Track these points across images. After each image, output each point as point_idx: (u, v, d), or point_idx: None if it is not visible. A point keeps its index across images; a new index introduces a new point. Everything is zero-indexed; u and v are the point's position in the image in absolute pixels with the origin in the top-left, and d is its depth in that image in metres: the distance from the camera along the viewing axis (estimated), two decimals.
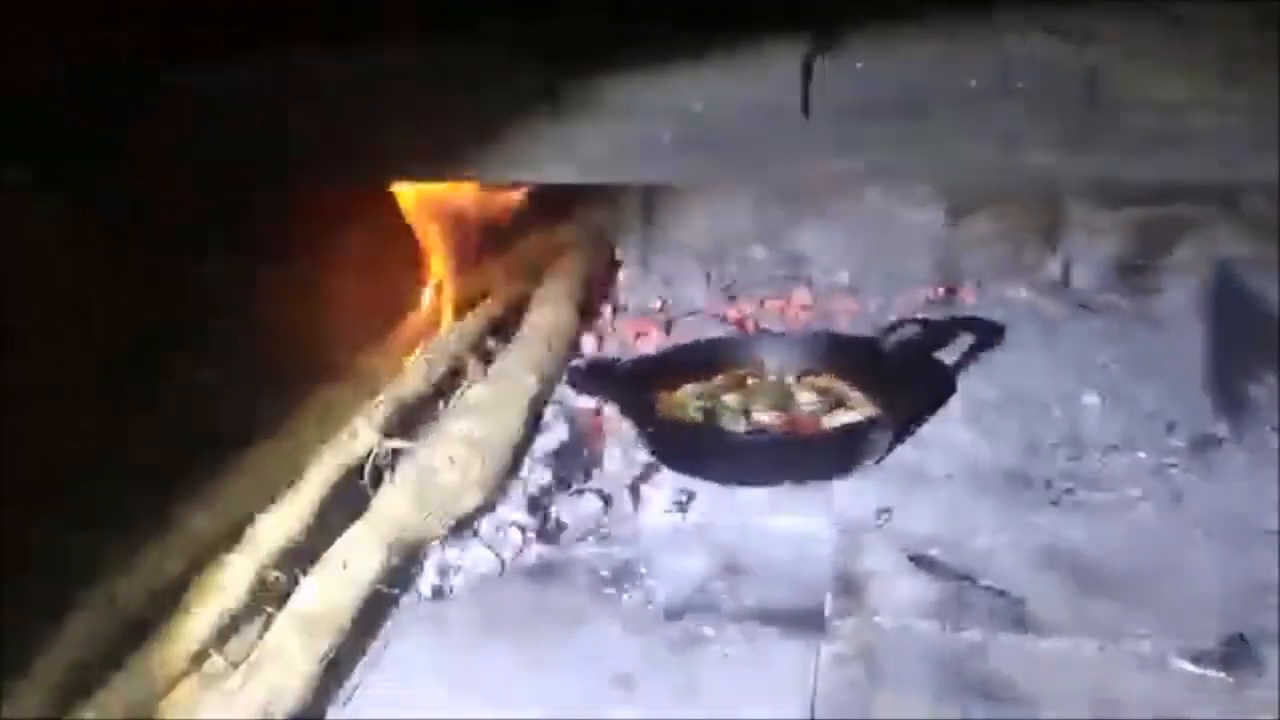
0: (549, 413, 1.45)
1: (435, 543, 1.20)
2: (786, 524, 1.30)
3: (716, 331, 1.81)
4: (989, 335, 1.66)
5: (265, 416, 1.19)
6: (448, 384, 1.43)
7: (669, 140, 0.99)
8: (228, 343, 1.21)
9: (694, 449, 1.38)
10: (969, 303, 2.01)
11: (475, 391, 1.36)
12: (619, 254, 2.14)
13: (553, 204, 1.89)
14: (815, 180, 1.65)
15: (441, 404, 1.41)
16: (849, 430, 1.36)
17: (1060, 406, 1.58)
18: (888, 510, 1.31)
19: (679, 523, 1.30)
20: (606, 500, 1.29)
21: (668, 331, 1.86)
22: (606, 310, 1.94)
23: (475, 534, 1.24)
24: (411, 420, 1.33)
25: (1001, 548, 1.24)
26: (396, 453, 1.23)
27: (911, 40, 1.06)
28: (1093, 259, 2.03)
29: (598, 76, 1.04)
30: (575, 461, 1.36)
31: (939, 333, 1.61)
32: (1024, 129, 0.98)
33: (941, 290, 2.04)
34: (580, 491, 1.29)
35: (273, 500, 1.12)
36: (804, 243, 2.18)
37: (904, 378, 1.49)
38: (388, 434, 1.23)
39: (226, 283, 1.23)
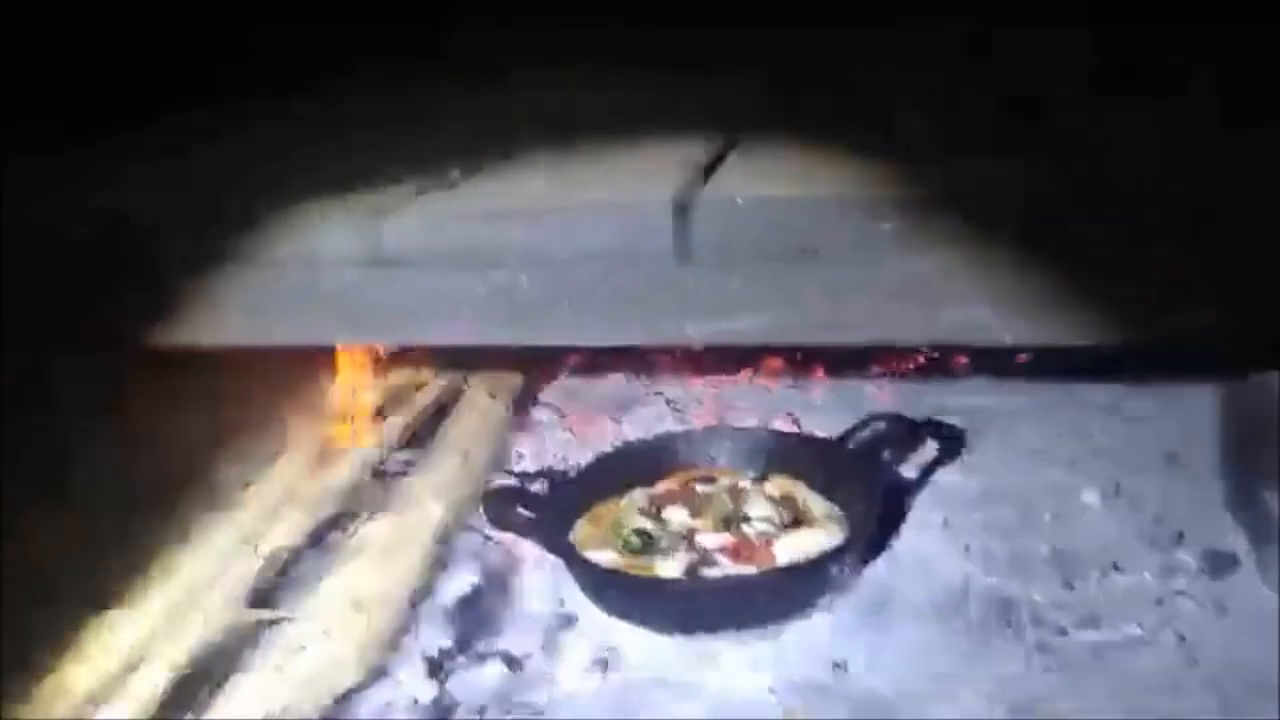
0: (461, 544, 1.27)
1: None
2: (724, 686, 1.12)
3: (671, 423, 1.63)
4: (952, 445, 1.47)
5: (106, 586, 1.02)
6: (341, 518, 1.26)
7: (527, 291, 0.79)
8: (73, 491, 1.04)
9: (624, 593, 1.20)
10: (961, 363, 1.82)
11: (370, 530, 1.18)
12: None
13: None
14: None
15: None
16: (802, 569, 1.17)
17: (1054, 507, 1.39)
18: (842, 665, 1.12)
19: (599, 686, 1.12)
20: (513, 664, 1.11)
21: (620, 420, 1.68)
22: (555, 391, 1.76)
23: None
24: (286, 577, 1.15)
25: (974, 716, 1.05)
26: (262, 624, 1.06)
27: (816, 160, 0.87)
28: None
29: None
30: (484, 611, 1.18)
31: (910, 431, 1.43)
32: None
33: (933, 353, 1.85)
34: (484, 656, 1.12)
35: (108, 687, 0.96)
36: None
37: (870, 486, 1.30)
38: (252, 603, 1.06)
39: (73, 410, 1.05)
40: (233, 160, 0.93)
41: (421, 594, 1.18)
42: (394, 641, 1.12)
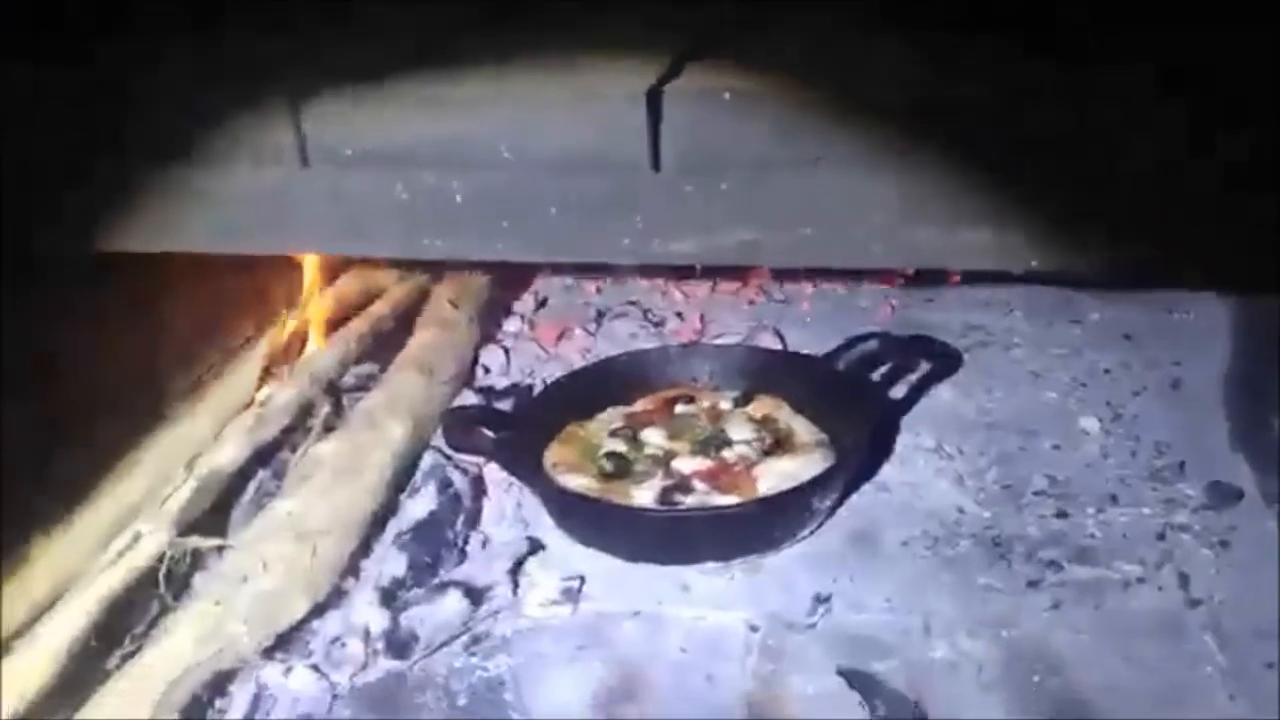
0: (426, 465, 1.19)
1: (247, 667, 0.95)
2: (699, 620, 1.05)
3: (647, 339, 1.54)
4: (946, 364, 1.39)
5: (29, 509, 0.93)
6: (292, 436, 1.17)
7: (461, 200, 0.68)
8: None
9: (594, 520, 1.13)
10: (954, 283, 1.73)
11: (321, 449, 1.10)
12: None
13: None
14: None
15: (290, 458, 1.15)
16: (784, 498, 1.10)
17: (1051, 434, 1.32)
18: (826, 600, 1.06)
19: (566, 618, 1.06)
20: (475, 595, 1.04)
21: (595, 331, 1.59)
22: (525, 303, 1.66)
23: (309, 648, 0.99)
24: (229, 501, 1.07)
25: (964, 658, 0.99)
26: (199, 553, 0.98)
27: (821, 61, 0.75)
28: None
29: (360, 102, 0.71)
30: (446, 538, 1.10)
31: (902, 350, 1.34)
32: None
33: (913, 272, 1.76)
34: (444, 585, 1.04)
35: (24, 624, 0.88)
36: None
37: (858, 409, 1.23)
38: (185, 530, 0.97)
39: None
40: (148, 59, 0.81)
41: (377, 520, 1.09)
42: (346, 571, 1.04)
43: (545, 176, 0.66)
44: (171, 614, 0.94)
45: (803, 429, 1.26)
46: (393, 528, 1.11)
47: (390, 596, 1.04)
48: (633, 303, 1.69)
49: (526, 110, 0.66)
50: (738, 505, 1.11)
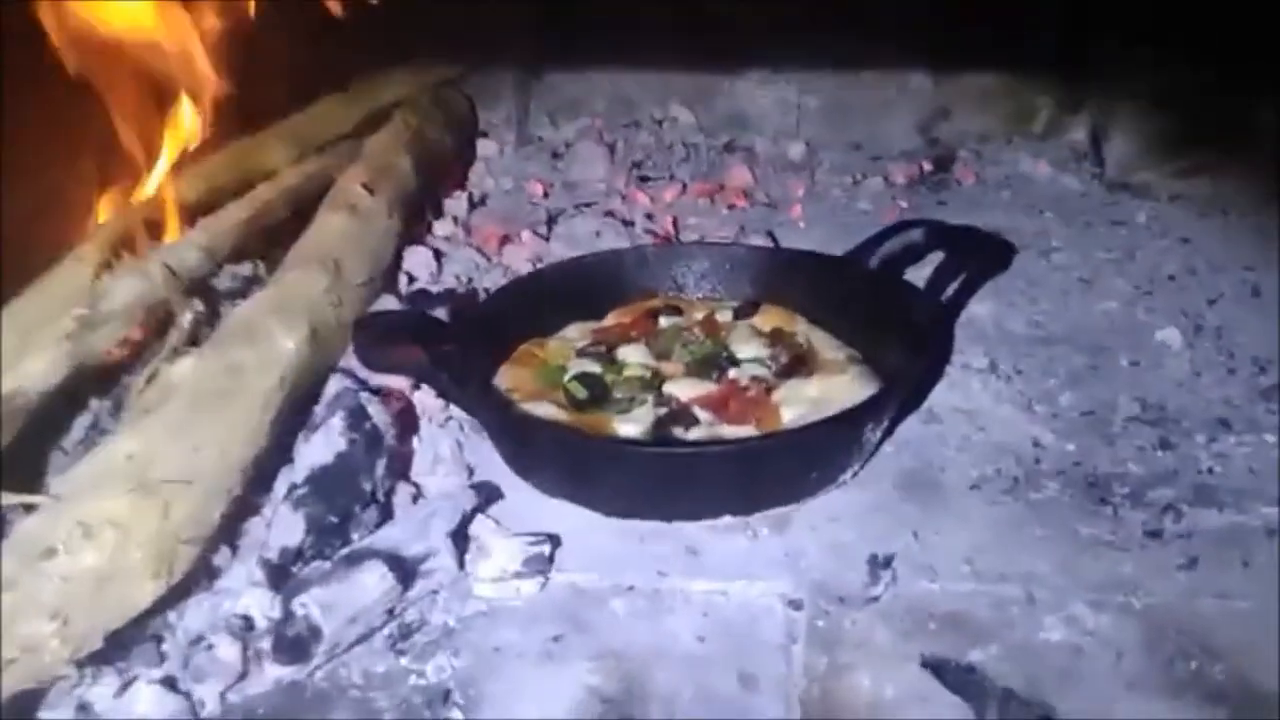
0: (330, 392, 0.87)
1: (60, 684, 0.64)
2: (717, 597, 0.76)
3: (616, 239, 1.23)
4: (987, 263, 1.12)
5: None
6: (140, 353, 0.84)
7: None
8: None
9: (566, 460, 0.83)
10: (968, 184, 1.47)
11: (178, 370, 0.77)
12: (481, 119, 1.54)
13: (371, 39, 1.26)
14: None
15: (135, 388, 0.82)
16: (825, 430, 0.81)
17: (1125, 350, 1.06)
18: (888, 564, 0.77)
19: (533, 598, 0.76)
20: (404, 570, 0.73)
21: (548, 235, 1.28)
22: (458, 203, 1.34)
23: (159, 654, 0.68)
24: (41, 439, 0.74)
25: (1090, 640, 0.72)
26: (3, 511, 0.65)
27: None
28: (1130, 123, 1.48)
29: None
30: (360, 490, 0.79)
31: (939, 242, 1.05)
32: None
33: (928, 166, 1.49)
34: (358, 557, 0.73)
35: None
36: (742, 100, 1.59)
37: (901, 317, 0.94)
38: None
39: None
40: None
41: (261, 467, 0.78)
42: (215, 540, 0.72)
43: None
44: None
45: (825, 344, 0.98)
46: (284, 478, 0.79)
47: (280, 574, 0.73)
48: (586, 204, 1.38)
49: None
50: (766, 437, 0.81)
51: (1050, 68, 1.53)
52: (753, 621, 0.74)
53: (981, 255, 1.06)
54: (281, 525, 0.75)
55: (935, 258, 1.02)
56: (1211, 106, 1.35)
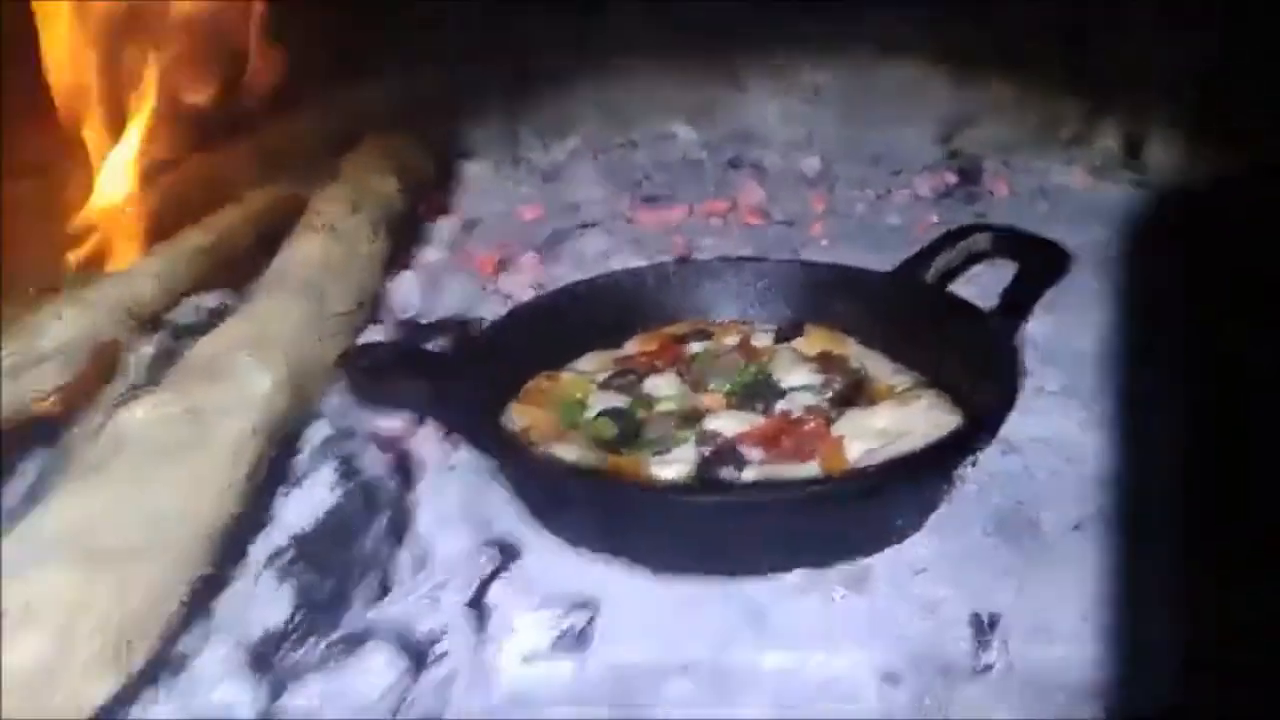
0: (316, 438, 0.73)
1: None
2: (795, 672, 0.63)
3: (627, 260, 1.10)
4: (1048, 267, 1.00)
5: None
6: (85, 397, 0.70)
7: None
8: None
9: (603, 512, 0.69)
10: (1001, 195, 1.36)
11: (130, 417, 0.64)
12: (464, 137, 1.42)
13: (351, 53, 1.14)
14: None
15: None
16: (912, 468, 0.68)
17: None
18: (995, 624, 0.64)
19: (569, 680, 0.62)
20: (413, 651, 0.59)
21: (547, 258, 1.15)
22: (444, 226, 1.22)
23: None
24: None
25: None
26: None
27: None
28: (1167, 127, 1.39)
29: None
30: (355, 554, 0.65)
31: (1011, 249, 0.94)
32: None
33: (953, 177, 1.39)
34: (357, 638, 0.59)
35: None
36: (750, 113, 1.48)
37: (970, 336, 0.82)
38: None
39: None
40: None
41: (234, 530, 0.64)
42: (179, 620, 0.58)
43: None
44: None
45: (882, 368, 0.85)
46: (263, 543, 0.65)
47: (263, 660, 0.59)
48: (589, 225, 1.26)
49: None
50: (847, 477, 0.69)
51: (1074, 71, 1.44)
52: (841, 702, 0.61)
53: (1055, 266, 0.94)
54: (263, 600, 0.61)
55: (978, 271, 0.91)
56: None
